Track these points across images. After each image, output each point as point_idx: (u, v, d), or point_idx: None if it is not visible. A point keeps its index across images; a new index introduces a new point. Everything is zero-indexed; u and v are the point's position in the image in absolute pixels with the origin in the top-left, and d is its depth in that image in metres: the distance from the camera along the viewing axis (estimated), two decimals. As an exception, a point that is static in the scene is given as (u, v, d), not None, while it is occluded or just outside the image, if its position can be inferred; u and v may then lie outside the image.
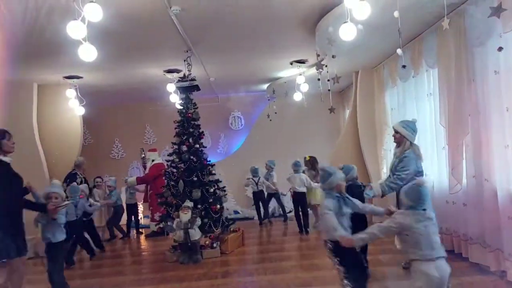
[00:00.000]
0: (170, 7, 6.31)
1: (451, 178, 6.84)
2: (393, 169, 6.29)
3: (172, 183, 8.70)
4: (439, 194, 7.63)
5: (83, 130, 11.62)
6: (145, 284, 7.08)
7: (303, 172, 10.55)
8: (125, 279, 7.57)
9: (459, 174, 6.68)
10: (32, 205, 5.73)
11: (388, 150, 10.19)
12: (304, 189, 10.30)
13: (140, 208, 12.92)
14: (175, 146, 8.88)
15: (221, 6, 6.52)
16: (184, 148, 8.70)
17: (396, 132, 6.35)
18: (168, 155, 9.20)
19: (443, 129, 7.13)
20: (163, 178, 9.76)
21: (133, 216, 11.98)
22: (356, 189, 6.12)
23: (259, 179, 12.10)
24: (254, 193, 12.28)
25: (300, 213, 10.37)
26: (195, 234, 8.16)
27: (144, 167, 12.08)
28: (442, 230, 7.47)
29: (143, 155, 12.40)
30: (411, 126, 6.29)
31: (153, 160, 11.62)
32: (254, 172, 12.17)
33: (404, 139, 6.26)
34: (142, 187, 12.07)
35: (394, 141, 6.48)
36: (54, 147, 10.68)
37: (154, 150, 12.02)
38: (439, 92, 7.27)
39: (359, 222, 5.30)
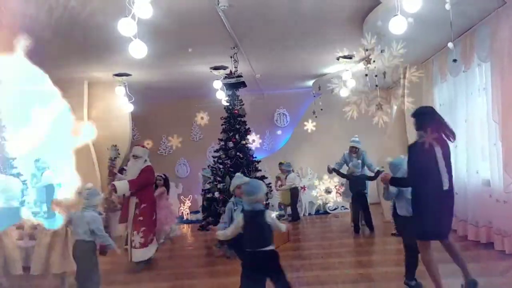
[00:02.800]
0: (218, 3, 6.34)
1: (506, 175, 6.64)
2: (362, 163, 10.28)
3: (219, 178, 8.76)
4: (492, 192, 7.40)
5: (131, 127, 11.82)
6: (193, 278, 7.17)
7: None
8: (173, 273, 7.68)
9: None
10: None
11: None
12: None
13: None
14: (222, 143, 8.94)
15: (268, 2, 6.51)
16: (231, 144, 8.75)
17: (355, 148, 10.59)
18: (214, 151, 9.26)
19: (495, 125, 6.93)
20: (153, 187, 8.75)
21: None
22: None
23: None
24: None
25: None
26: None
27: (113, 173, 9.17)
28: (494, 230, 7.29)
29: (117, 155, 9.59)
30: (358, 140, 10.78)
31: (145, 161, 8.35)
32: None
33: (359, 149, 10.55)
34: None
35: (353, 153, 10.58)
36: (104, 144, 10.90)
37: (142, 146, 8.86)
38: (492, 86, 7.03)
39: None
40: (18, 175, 7.30)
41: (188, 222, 12.71)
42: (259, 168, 9.31)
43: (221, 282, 6.82)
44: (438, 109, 9.81)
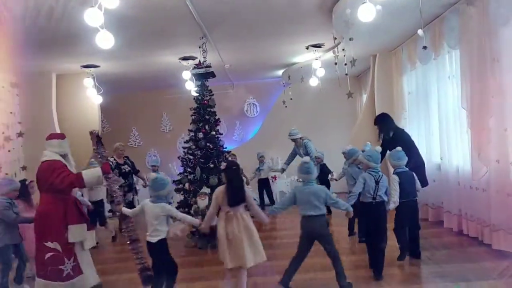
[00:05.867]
0: (186, -8, 6.27)
1: (475, 162, 6.74)
2: (305, 153, 10.51)
3: (189, 169, 8.70)
4: (462, 179, 7.55)
5: (101, 119, 11.67)
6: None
7: None
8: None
9: (487, 158, 6.51)
10: None
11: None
12: None
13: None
14: (192, 133, 8.87)
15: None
16: (201, 135, 8.68)
17: (294, 139, 10.88)
18: (184, 142, 9.19)
19: (466, 112, 7.01)
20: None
21: None
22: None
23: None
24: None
25: None
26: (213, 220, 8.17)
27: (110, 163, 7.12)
28: (467, 216, 7.42)
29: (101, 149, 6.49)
30: (295, 131, 10.82)
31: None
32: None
33: (298, 139, 10.80)
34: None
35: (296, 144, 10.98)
36: (73, 136, 10.71)
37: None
38: (461, 74, 7.08)
39: None
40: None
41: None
42: (229, 158, 9.29)
43: (194, 271, 6.81)
44: (406, 97, 9.96)
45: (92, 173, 5.74)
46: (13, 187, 6.31)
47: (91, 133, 6.26)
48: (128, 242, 5.59)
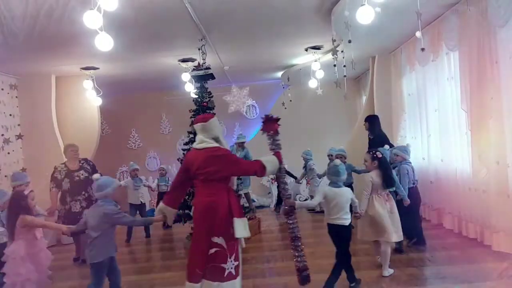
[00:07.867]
0: (185, -5, 6.26)
1: (476, 164, 6.74)
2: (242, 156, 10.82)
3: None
4: (462, 180, 7.56)
5: (100, 121, 11.66)
6: (164, 271, 7.16)
7: None
8: (144, 266, 7.63)
9: (487, 159, 6.52)
10: None
11: (404, 137, 10.10)
12: None
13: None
14: (191, 135, 8.86)
15: (236, -7, 6.47)
16: (200, 136, 8.65)
17: (243, 143, 11.44)
18: (184, 144, 9.18)
19: (465, 114, 7.02)
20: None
21: None
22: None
23: None
24: None
25: None
26: (213, 221, 8.16)
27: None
28: (467, 218, 7.42)
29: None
30: (242, 136, 11.67)
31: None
32: None
33: (244, 144, 11.38)
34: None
35: (239, 147, 11.37)
36: (73, 139, 10.70)
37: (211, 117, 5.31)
38: (460, 76, 7.10)
39: None
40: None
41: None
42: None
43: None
44: (406, 99, 9.96)
45: (272, 161, 5.24)
46: (115, 186, 5.42)
47: (268, 116, 5.53)
48: (290, 240, 5.24)
